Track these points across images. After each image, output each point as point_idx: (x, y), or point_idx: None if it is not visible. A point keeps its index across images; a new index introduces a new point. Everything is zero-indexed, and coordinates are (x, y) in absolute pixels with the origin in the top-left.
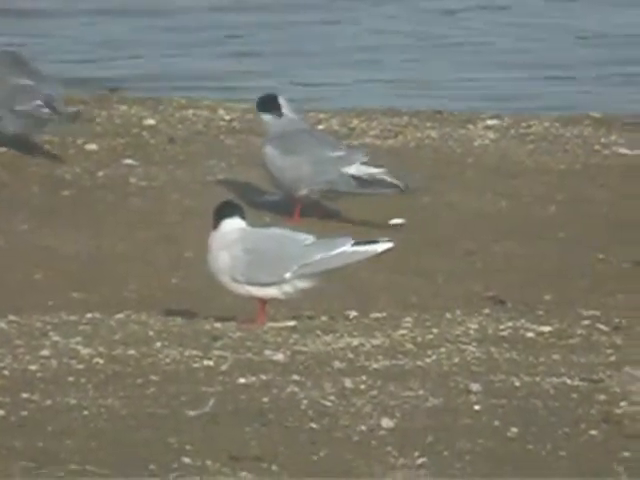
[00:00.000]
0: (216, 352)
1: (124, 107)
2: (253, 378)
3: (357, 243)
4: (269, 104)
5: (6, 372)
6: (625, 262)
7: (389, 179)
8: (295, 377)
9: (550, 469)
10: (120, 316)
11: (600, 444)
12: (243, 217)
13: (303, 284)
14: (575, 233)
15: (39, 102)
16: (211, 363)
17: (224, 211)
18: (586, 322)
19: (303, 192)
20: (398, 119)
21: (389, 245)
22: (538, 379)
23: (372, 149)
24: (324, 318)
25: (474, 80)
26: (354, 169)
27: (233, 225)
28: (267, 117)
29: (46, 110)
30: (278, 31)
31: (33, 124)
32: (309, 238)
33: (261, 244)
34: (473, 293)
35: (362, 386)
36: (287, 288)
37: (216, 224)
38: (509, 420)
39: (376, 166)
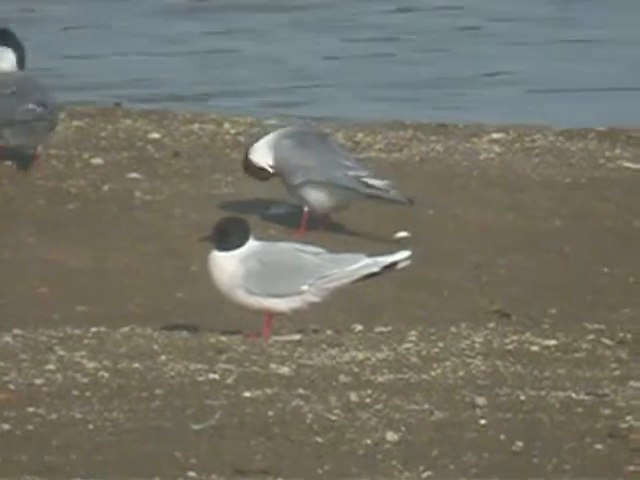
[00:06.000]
0: (221, 365)
1: (129, 121)
2: (258, 392)
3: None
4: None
5: (11, 386)
6: (630, 276)
7: (392, 192)
8: (300, 391)
9: None
10: (125, 330)
11: (605, 458)
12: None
13: (318, 297)
14: (580, 247)
15: (31, 106)
16: (216, 376)
17: (246, 233)
18: (591, 336)
19: (302, 182)
20: (403, 132)
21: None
22: (543, 393)
23: (377, 162)
24: (329, 332)
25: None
26: (360, 175)
27: (252, 242)
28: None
29: (39, 109)
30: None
31: (34, 132)
32: (323, 251)
33: (277, 256)
34: (478, 307)
35: (367, 400)
36: (303, 300)
37: (235, 246)
38: (514, 434)
39: (381, 178)
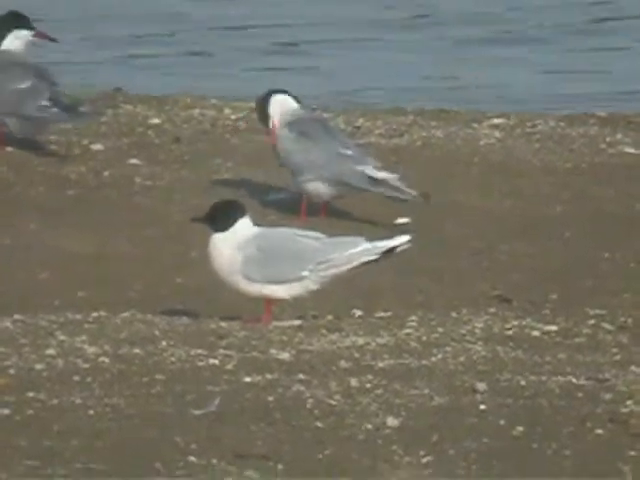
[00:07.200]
0: (221, 351)
1: (129, 106)
2: (258, 377)
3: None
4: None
5: (12, 371)
6: (631, 261)
7: (403, 187)
8: (301, 376)
9: (556, 468)
10: (125, 315)
11: (606, 443)
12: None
13: (318, 284)
14: (581, 232)
15: (45, 102)
16: (216, 362)
17: (237, 211)
18: (592, 321)
19: (309, 178)
20: (403, 118)
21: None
22: (544, 378)
23: (377, 148)
24: (329, 317)
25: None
26: (367, 169)
27: (246, 225)
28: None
29: (54, 110)
30: None
31: (42, 125)
32: (323, 237)
33: (276, 242)
34: (479, 292)
35: (368, 385)
36: (303, 286)
37: (227, 224)
38: (515, 419)
39: (390, 171)
